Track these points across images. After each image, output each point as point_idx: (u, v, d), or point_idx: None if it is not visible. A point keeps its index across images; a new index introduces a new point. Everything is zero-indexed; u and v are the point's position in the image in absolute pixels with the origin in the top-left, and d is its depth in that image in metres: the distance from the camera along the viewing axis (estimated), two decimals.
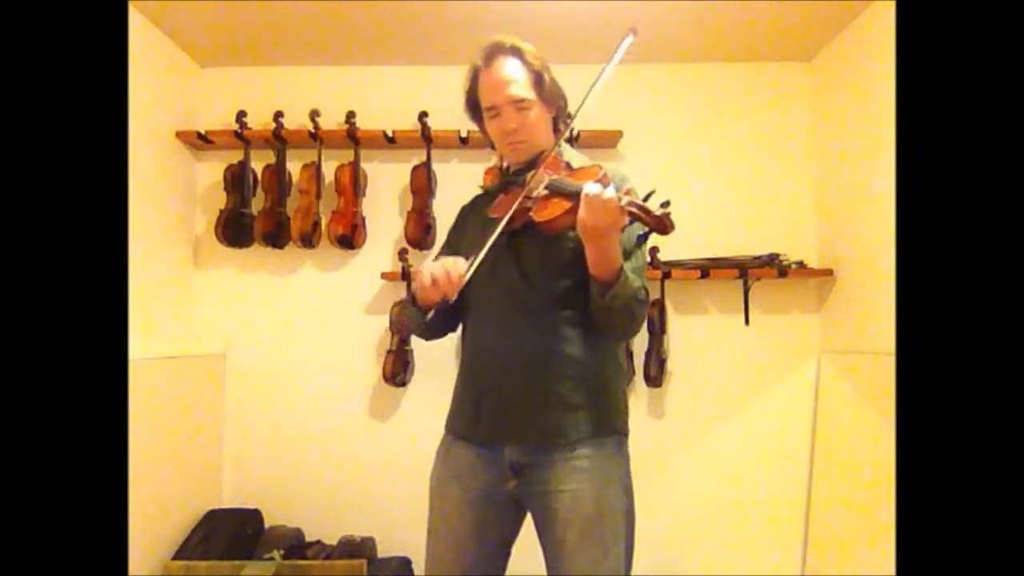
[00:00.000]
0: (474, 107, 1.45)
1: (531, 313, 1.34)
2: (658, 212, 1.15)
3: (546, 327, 1.33)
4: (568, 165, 1.38)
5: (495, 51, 1.39)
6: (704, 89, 2.94)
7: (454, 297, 1.27)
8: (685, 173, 2.92)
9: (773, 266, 2.73)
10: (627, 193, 1.18)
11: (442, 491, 1.41)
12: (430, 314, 1.29)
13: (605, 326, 1.32)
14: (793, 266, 2.76)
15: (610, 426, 1.37)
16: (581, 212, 1.17)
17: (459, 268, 1.27)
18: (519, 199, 1.31)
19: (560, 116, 1.47)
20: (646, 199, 1.18)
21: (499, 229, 1.29)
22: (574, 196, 1.21)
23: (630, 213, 1.16)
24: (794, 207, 2.91)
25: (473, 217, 1.51)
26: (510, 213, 1.29)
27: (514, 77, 1.37)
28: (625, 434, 1.42)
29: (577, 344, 1.33)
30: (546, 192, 1.30)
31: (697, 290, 2.87)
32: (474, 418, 1.38)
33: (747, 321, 2.81)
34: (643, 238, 1.26)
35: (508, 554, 1.43)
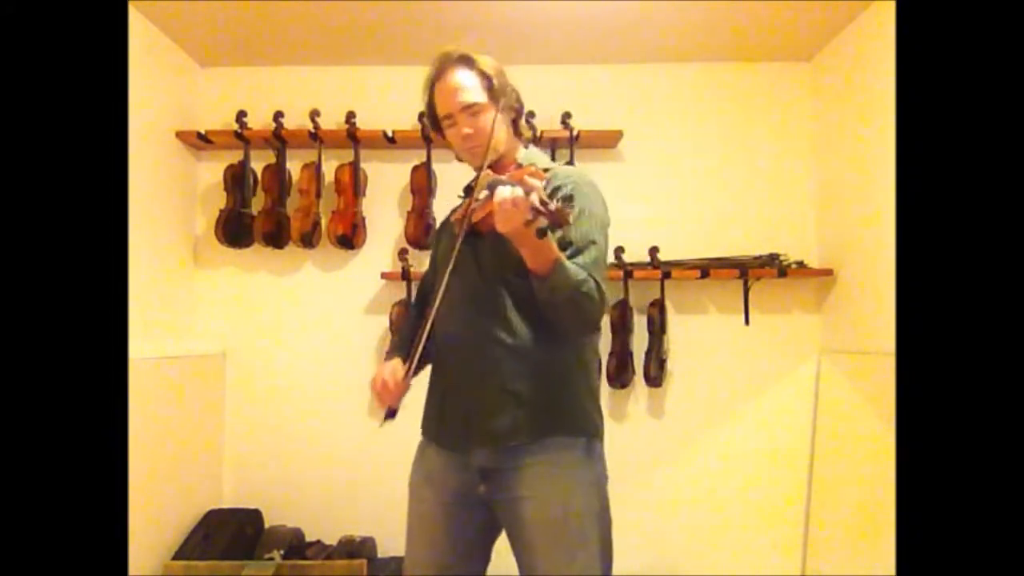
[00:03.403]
0: (434, 120, 1.48)
1: (488, 313, 1.34)
2: (553, 207, 1.14)
3: (503, 327, 1.33)
4: (518, 165, 1.39)
5: (444, 62, 1.42)
6: (704, 89, 2.94)
7: (398, 407, 1.36)
8: (685, 173, 2.92)
9: (773, 266, 2.73)
10: (550, 195, 1.17)
11: (418, 493, 1.43)
12: (383, 418, 1.37)
13: (555, 320, 1.31)
14: (793, 266, 2.76)
15: (574, 427, 1.35)
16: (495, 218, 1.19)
17: (396, 375, 1.35)
18: (469, 202, 1.34)
19: (519, 118, 1.48)
20: (552, 195, 1.19)
21: (458, 246, 1.33)
22: None
23: (533, 210, 1.15)
24: (794, 207, 2.91)
25: (447, 228, 1.54)
26: (465, 223, 1.32)
27: (464, 84, 1.39)
28: (595, 436, 1.39)
29: (533, 342, 1.33)
30: (487, 193, 1.30)
31: (697, 290, 2.87)
32: (439, 421, 1.40)
33: (747, 321, 2.81)
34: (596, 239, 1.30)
35: (487, 556, 1.44)
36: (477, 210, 1.31)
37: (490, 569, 1.46)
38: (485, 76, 1.40)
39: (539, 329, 1.33)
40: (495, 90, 1.40)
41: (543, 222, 1.15)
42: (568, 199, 1.18)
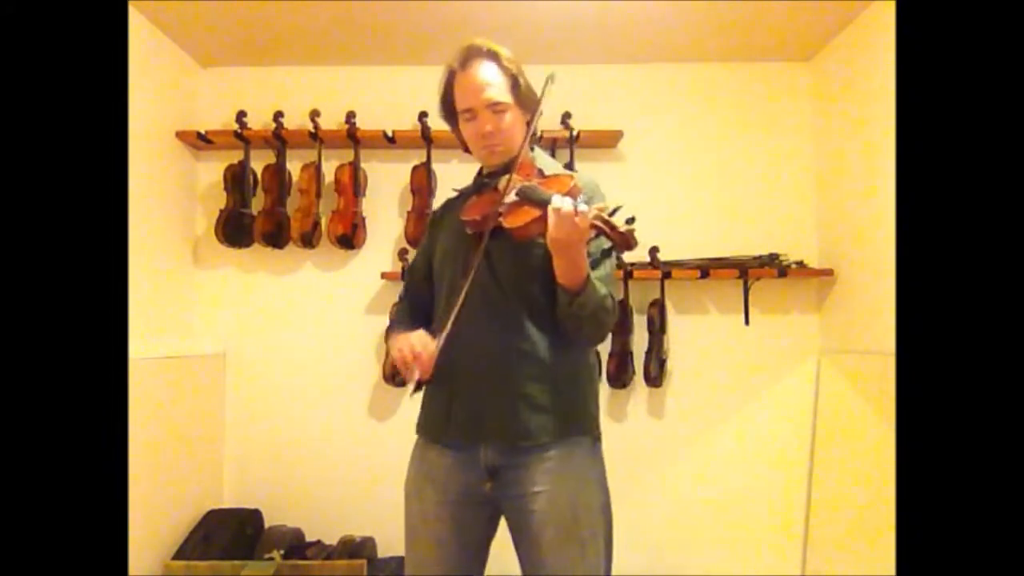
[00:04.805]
0: (449, 109, 1.47)
1: (502, 316, 1.35)
2: (623, 228, 1.15)
3: (516, 330, 1.34)
4: (540, 172, 1.39)
5: (471, 54, 1.40)
6: (704, 89, 2.94)
7: (428, 376, 1.30)
8: (685, 173, 2.92)
9: (773, 266, 2.74)
10: (600, 210, 1.18)
11: (419, 494, 1.41)
12: (412, 389, 1.32)
13: (572, 332, 1.33)
14: (793, 266, 2.76)
15: (581, 428, 1.38)
16: (549, 226, 1.19)
17: (429, 346, 1.30)
18: (494, 204, 1.32)
19: (533, 119, 1.47)
20: (612, 214, 1.18)
21: (481, 249, 1.31)
22: (543, 205, 1.22)
23: (595, 227, 1.16)
24: (794, 207, 2.91)
25: (447, 220, 1.50)
26: (488, 229, 1.30)
27: (491, 80, 1.38)
28: (598, 438, 1.42)
29: (547, 348, 1.34)
30: (516, 199, 1.30)
31: (697, 290, 2.87)
32: (446, 421, 1.39)
33: (747, 321, 2.81)
34: (609, 251, 1.27)
35: (487, 554, 1.44)
36: (506, 215, 1.29)
37: (489, 569, 1.45)
38: (511, 75, 1.40)
39: (550, 334, 1.34)
40: (520, 90, 1.40)
41: (605, 242, 1.14)
42: (631, 220, 1.18)
